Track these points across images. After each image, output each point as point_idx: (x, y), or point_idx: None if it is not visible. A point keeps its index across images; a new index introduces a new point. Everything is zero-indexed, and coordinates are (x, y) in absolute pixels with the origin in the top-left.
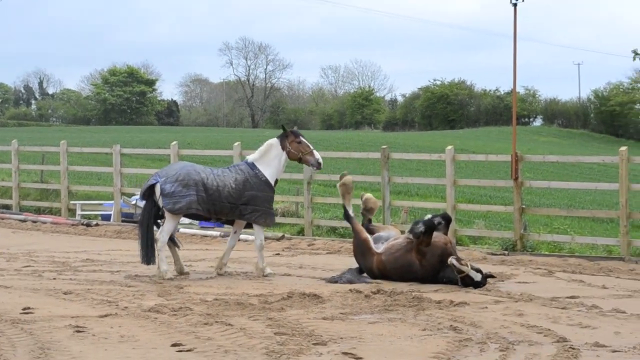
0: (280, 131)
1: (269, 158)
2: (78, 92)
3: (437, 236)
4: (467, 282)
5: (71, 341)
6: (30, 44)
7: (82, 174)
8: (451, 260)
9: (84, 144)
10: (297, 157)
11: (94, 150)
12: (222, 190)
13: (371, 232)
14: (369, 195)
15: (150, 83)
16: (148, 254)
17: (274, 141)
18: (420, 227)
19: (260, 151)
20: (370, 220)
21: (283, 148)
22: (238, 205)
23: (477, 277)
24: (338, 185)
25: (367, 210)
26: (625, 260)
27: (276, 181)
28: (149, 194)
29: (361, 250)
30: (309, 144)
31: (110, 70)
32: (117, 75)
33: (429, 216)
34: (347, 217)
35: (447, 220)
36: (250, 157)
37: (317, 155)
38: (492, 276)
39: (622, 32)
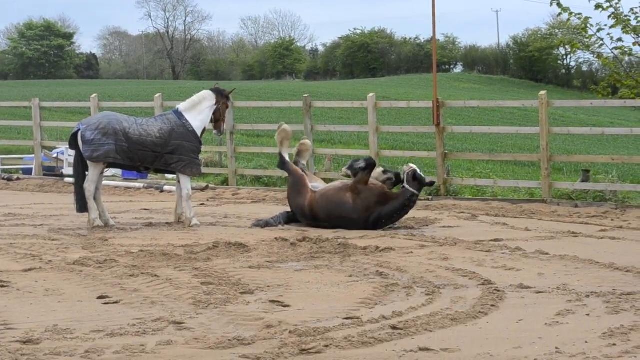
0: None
1: (200, 108)
2: None
3: (373, 181)
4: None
5: None
6: None
7: (2, 128)
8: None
9: (1, 99)
10: (219, 118)
11: (12, 105)
12: (146, 139)
13: None
14: (305, 140)
15: (68, 37)
16: (79, 203)
17: (209, 94)
18: (361, 164)
19: (192, 101)
20: (302, 166)
21: (217, 102)
22: (163, 154)
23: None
24: (277, 131)
25: (299, 155)
26: (547, 202)
27: (203, 131)
28: (75, 142)
29: (297, 188)
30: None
31: (27, 24)
32: (34, 29)
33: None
34: (282, 162)
35: (372, 165)
36: (181, 106)
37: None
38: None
39: None
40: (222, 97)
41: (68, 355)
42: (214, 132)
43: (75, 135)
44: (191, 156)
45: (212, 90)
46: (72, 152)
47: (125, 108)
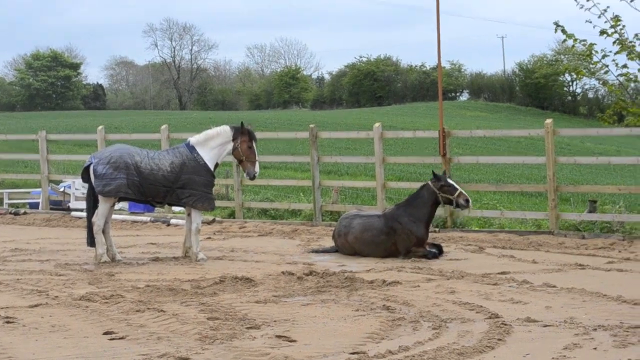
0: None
1: (213, 143)
2: (1, 78)
3: None
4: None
5: (1, 332)
6: None
7: (8, 161)
8: None
9: (8, 131)
10: (240, 158)
11: (19, 137)
12: (157, 173)
13: None
14: None
15: (75, 67)
16: (90, 236)
17: (225, 129)
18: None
19: (207, 134)
20: None
21: (233, 140)
22: (174, 188)
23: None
24: None
25: None
26: (554, 233)
27: (216, 165)
28: (87, 176)
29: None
30: (256, 153)
31: (34, 54)
32: (41, 59)
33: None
34: None
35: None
36: (193, 140)
37: (258, 167)
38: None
39: (543, 6)
40: (240, 134)
41: None
42: (245, 175)
43: (87, 168)
44: (203, 190)
45: (231, 126)
46: (79, 186)
47: (132, 140)
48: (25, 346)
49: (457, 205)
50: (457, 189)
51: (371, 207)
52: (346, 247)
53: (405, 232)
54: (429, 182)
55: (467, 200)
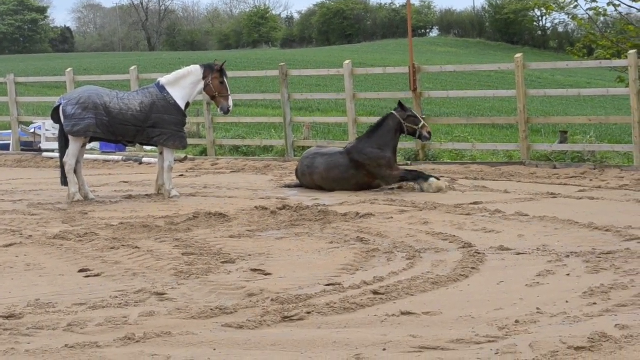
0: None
1: (184, 83)
2: None
3: None
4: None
5: None
6: None
7: None
8: None
9: None
10: (212, 94)
11: None
12: (126, 113)
13: None
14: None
15: (42, 10)
16: (62, 176)
17: (196, 68)
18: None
19: (177, 74)
20: None
21: (204, 78)
22: (144, 128)
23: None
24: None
25: None
26: (525, 164)
27: (187, 104)
28: (57, 116)
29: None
30: (228, 88)
31: None
32: (7, 4)
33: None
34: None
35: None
36: (163, 80)
37: (231, 102)
38: None
39: None
40: (211, 71)
41: (51, 328)
42: (218, 110)
43: (57, 109)
44: (173, 129)
45: (201, 65)
46: (49, 127)
47: (101, 81)
48: (1, 285)
49: (420, 137)
50: (421, 121)
51: (339, 143)
52: (312, 186)
53: (373, 161)
54: (394, 112)
55: (429, 133)
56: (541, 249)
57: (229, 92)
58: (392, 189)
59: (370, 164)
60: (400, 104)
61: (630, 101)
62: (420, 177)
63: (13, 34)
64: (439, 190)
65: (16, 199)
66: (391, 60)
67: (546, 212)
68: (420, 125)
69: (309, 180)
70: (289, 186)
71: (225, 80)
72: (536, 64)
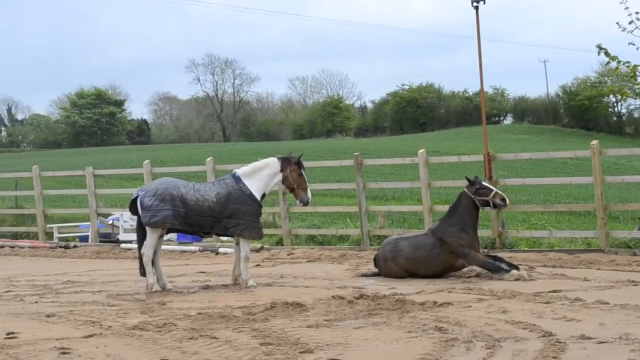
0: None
1: (260, 175)
2: (47, 117)
3: None
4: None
5: None
6: None
7: (57, 197)
8: None
9: (56, 168)
10: (292, 186)
11: (66, 174)
12: (203, 204)
13: None
14: None
15: (119, 104)
16: (141, 267)
17: (273, 161)
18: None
19: (254, 166)
20: None
21: (282, 170)
22: (221, 219)
23: None
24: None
25: None
26: (604, 251)
27: (263, 195)
28: (135, 209)
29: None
30: (306, 180)
31: (78, 93)
32: (85, 97)
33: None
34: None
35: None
36: (239, 171)
37: (310, 193)
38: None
39: (584, 28)
40: (289, 164)
41: None
42: (297, 202)
43: (134, 201)
44: (249, 219)
45: (278, 157)
46: (127, 219)
47: (177, 172)
48: None
49: (495, 206)
50: (492, 190)
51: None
52: (395, 270)
53: (454, 237)
54: (465, 189)
55: (503, 199)
56: (623, 338)
57: (307, 184)
58: (470, 276)
59: (453, 242)
60: (468, 179)
61: None
62: (501, 270)
63: (91, 127)
64: (519, 278)
65: (95, 289)
66: (465, 148)
67: (627, 300)
68: (492, 195)
69: (391, 265)
70: (365, 275)
71: (303, 172)
72: (612, 150)
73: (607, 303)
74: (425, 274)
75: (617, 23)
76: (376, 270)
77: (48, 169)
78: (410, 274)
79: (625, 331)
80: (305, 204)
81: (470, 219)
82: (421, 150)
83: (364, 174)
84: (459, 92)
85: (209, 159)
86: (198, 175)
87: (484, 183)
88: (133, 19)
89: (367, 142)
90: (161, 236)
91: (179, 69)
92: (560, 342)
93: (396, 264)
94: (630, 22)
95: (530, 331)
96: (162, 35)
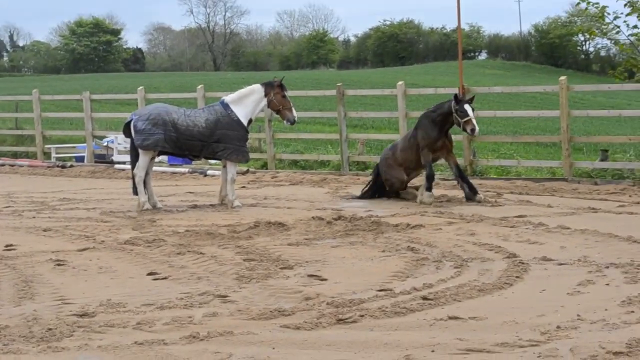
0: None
1: (247, 101)
2: (47, 44)
3: None
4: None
5: (52, 274)
6: None
7: (55, 119)
8: None
9: (55, 92)
10: (277, 108)
11: (65, 98)
12: (193, 129)
13: None
14: None
15: (116, 33)
16: (133, 187)
17: (258, 87)
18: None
19: (240, 93)
20: None
21: (266, 95)
22: (210, 143)
23: None
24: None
25: None
26: (568, 180)
27: (250, 121)
28: (128, 131)
29: None
30: (290, 100)
31: (77, 22)
32: (84, 26)
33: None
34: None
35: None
36: (227, 98)
37: (295, 112)
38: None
39: None
40: (272, 88)
41: (121, 327)
42: (284, 122)
43: (128, 124)
44: (236, 144)
45: (262, 83)
46: (121, 141)
47: (170, 99)
48: (76, 286)
49: (464, 130)
50: (467, 116)
51: None
52: (394, 167)
53: (421, 133)
54: (453, 100)
55: (472, 130)
56: (582, 260)
57: (292, 105)
58: (442, 201)
59: (419, 135)
60: (456, 96)
61: None
62: (428, 187)
63: (88, 54)
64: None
65: (90, 207)
66: (442, 81)
67: (587, 226)
68: (465, 120)
69: (391, 162)
70: (344, 197)
71: (287, 94)
72: (579, 86)
73: (568, 228)
74: (410, 165)
75: None
76: (354, 194)
77: (47, 92)
78: (404, 168)
79: (584, 254)
80: (292, 122)
81: (442, 120)
82: (400, 83)
83: (345, 104)
84: (437, 28)
85: (199, 86)
86: (189, 101)
87: (466, 107)
88: None
89: (349, 74)
90: (153, 158)
91: (173, 1)
92: (523, 263)
93: (395, 160)
94: None
95: (495, 252)
96: None
